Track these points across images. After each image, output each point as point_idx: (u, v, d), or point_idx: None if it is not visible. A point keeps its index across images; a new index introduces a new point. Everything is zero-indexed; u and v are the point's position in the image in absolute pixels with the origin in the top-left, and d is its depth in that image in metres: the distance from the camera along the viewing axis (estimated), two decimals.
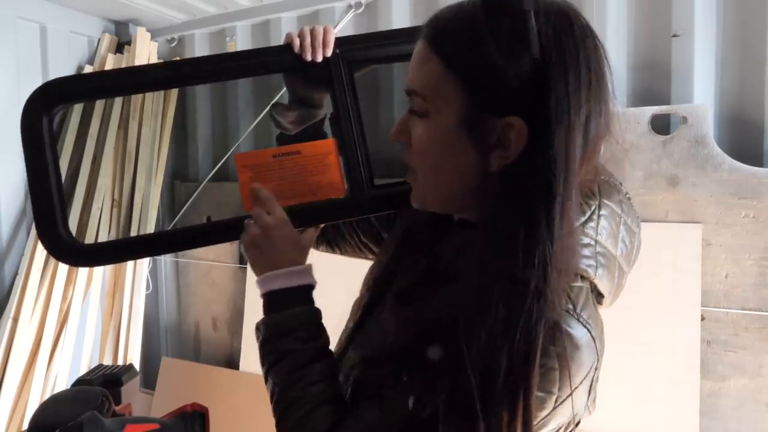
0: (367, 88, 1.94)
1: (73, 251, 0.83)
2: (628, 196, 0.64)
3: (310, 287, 0.72)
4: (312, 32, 0.79)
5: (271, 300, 0.71)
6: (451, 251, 0.63)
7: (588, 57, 0.53)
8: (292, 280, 0.70)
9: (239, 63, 0.83)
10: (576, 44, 0.53)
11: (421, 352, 0.55)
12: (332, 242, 0.91)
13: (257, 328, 0.71)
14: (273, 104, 0.87)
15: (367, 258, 0.90)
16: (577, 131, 0.52)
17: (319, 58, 0.79)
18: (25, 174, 0.80)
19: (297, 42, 0.79)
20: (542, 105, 0.51)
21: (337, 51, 0.81)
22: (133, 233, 2.18)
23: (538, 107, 0.52)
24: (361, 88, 0.84)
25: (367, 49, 0.83)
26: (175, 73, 0.84)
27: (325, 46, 0.79)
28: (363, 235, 0.89)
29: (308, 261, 0.75)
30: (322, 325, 0.70)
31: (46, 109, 0.79)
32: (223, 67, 0.83)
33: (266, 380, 0.68)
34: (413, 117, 0.60)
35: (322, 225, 0.84)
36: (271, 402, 0.66)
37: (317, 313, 0.71)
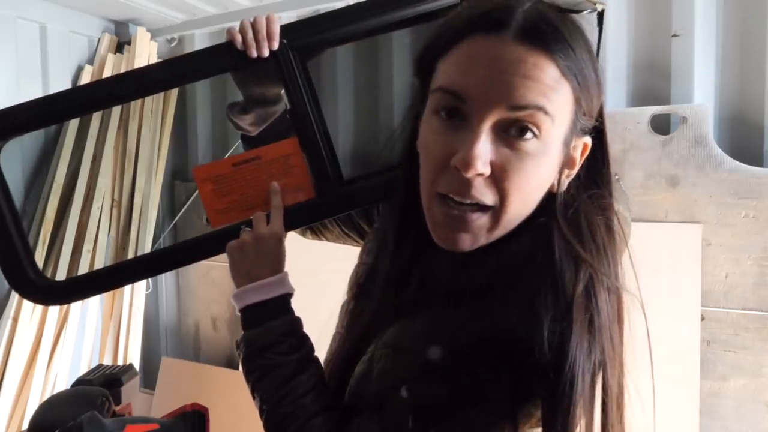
0: (330, 72, 1.93)
1: (43, 290, 0.80)
2: (617, 177, 0.64)
3: (288, 296, 0.70)
4: (254, 25, 0.72)
5: (248, 315, 0.69)
6: (457, 265, 0.59)
7: None
8: (267, 293, 0.69)
9: (177, 70, 0.78)
10: None
11: (433, 367, 0.53)
12: (317, 231, 0.89)
13: (237, 345, 0.69)
14: (228, 105, 0.81)
15: (354, 245, 0.87)
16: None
17: (266, 53, 0.73)
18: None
19: (239, 38, 0.72)
20: (601, 124, 0.56)
21: (284, 41, 0.74)
22: (133, 233, 2.18)
23: (600, 126, 0.56)
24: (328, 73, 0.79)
25: (317, 34, 0.76)
26: (117, 90, 0.78)
27: (269, 38, 0.72)
28: (344, 226, 0.86)
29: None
30: (303, 334, 0.69)
31: None
32: (161, 77, 0.78)
33: (253, 397, 0.67)
34: (504, 140, 0.51)
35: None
36: (261, 418, 0.65)
37: (296, 323, 0.69)
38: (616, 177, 0.65)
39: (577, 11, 0.54)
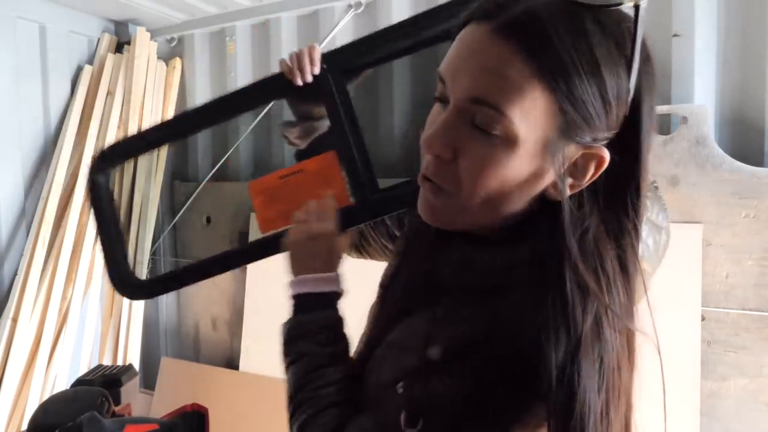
0: (382, 89, 1.94)
1: (135, 287, 1.00)
2: (655, 184, 0.60)
3: (337, 295, 0.74)
4: (298, 56, 0.83)
5: (299, 302, 0.73)
6: (463, 264, 0.58)
7: None
8: (321, 286, 0.73)
9: (242, 100, 0.92)
10: (656, 77, 0.50)
11: (431, 365, 0.54)
12: (360, 248, 0.92)
13: (282, 327, 0.73)
14: (281, 123, 0.92)
15: None
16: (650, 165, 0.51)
17: (309, 79, 0.83)
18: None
19: (287, 69, 0.84)
20: (633, 139, 0.49)
21: (324, 66, 0.84)
22: (133, 233, 2.19)
23: (626, 141, 0.49)
24: (374, 89, 0.85)
25: (355, 58, 0.85)
26: (200, 120, 0.98)
27: (312, 64, 0.83)
28: (382, 238, 0.89)
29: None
30: (342, 332, 0.71)
31: (102, 171, 0.97)
32: (231, 107, 0.94)
33: (286, 377, 0.70)
34: (470, 129, 0.50)
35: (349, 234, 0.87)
36: (287, 397, 0.68)
37: (339, 321, 0.72)
38: (655, 184, 0.61)
39: (606, 5, 0.46)
